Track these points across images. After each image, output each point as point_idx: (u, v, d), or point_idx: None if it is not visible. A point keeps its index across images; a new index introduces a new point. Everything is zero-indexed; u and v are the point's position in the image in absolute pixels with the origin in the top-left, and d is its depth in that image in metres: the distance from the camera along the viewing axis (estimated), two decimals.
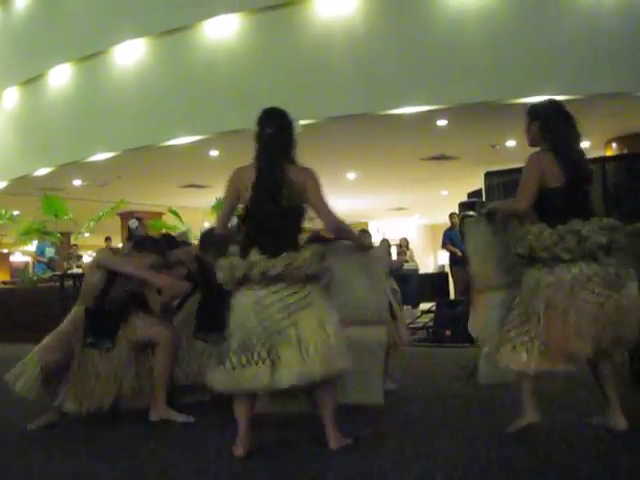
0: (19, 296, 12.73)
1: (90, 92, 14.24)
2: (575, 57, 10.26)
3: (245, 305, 3.67)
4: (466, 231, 4.29)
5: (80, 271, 12.26)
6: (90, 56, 14.14)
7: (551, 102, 4.19)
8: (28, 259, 22.99)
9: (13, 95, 16.30)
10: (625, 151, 12.97)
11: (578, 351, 3.70)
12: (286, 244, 3.72)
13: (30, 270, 18.24)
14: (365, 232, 8.76)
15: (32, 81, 15.53)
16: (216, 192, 15.31)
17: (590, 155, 13.24)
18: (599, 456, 3.42)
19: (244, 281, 3.68)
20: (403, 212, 23.41)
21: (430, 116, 11.04)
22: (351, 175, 16.30)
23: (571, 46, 10.34)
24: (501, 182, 12.54)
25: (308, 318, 3.63)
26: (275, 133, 3.86)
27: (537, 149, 4.05)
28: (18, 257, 26.54)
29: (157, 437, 4.19)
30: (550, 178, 3.90)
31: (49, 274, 13.45)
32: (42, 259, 15.24)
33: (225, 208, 3.97)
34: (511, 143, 12.99)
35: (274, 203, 3.73)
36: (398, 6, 11.25)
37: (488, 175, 11.01)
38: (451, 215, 13.66)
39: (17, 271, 22.55)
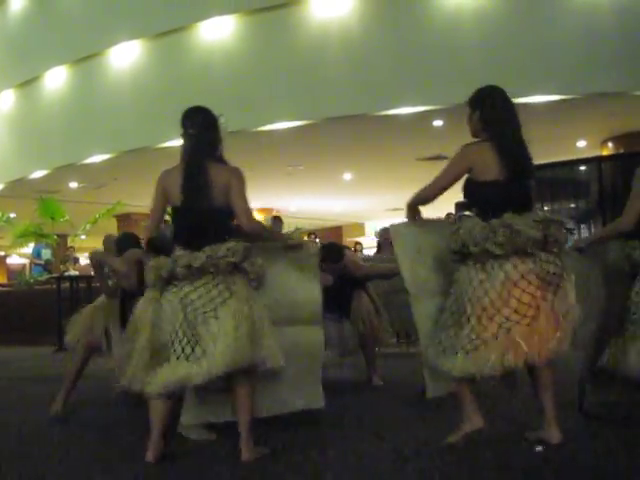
0: (16, 298, 12.73)
1: (86, 94, 14.24)
2: (571, 57, 10.27)
3: (173, 304, 3.64)
4: (394, 237, 4.06)
5: (77, 273, 12.25)
6: (86, 58, 14.14)
7: (493, 89, 3.97)
8: (25, 261, 22.98)
9: (9, 98, 16.29)
10: (621, 150, 12.99)
11: (509, 356, 3.47)
12: (211, 241, 3.68)
13: (27, 272, 18.23)
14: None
15: (28, 83, 15.53)
16: None
17: (586, 154, 13.22)
18: (597, 456, 3.42)
19: (171, 279, 3.67)
20: (399, 212, 23.40)
21: (426, 116, 11.05)
22: (347, 176, 16.31)
23: (567, 46, 10.35)
24: None
25: (229, 310, 3.58)
26: (198, 133, 3.84)
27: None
28: (15, 260, 26.53)
29: None
30: (487, 170, 3.69)
31: (46, 276, 13.45)
32: (38, 261, 15.23)
33: (154, 210, 3.93)
34: None
35: (200, 203, 3.72)
36: (393, 7, 11.26)
37: None
38: (447, 215, 13.66)
39: (14, 274, 22.55)
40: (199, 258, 3.61)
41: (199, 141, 3.83)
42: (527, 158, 3.79)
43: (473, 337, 3.53)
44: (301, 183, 16.57)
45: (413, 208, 3.95)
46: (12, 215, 16.67)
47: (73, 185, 16.27)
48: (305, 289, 4.16)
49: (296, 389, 4.08)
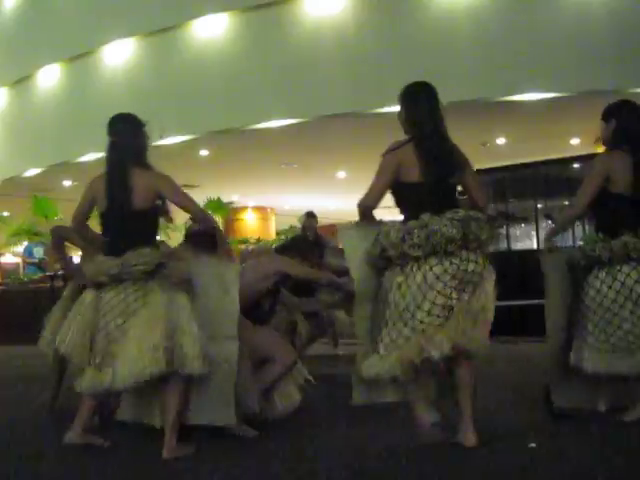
0: (9, 297, 12.70)
1: (79, 92, 14.20)
2: (565, 54, 10.27)
3: (89, 309, 3.78)
4: (342, 240, 4.01)
5: None
6: (79, 56, 14.10)
7: (419, 86, 3.90)
8: (19, 260, 22.94)
9: (2, 96, 16.24)
10: None
11: (420, 356, 3.45)
12: (133, 245, 3.75)
13: (21, 272, 18.20)
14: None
15: (21, 82, 15.48)
16: (206, 192, 15.31)
17: (580, 152, 13.24)
18: (595, 456, 3.43)
19: (98, 283, 3.79)
20: (394, 211, 23.42)
21: None
22: (341, 174, 16.30)
23: (561, 43, 10.35)
24: (491, 180, 12.55)
25: (139, 321, 3.67)
26: (120, 140, 3.92)
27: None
28: (9, 259, 26.42)
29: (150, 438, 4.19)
30: (409, 172, 3.69)
31: (39, 275, 13.42)
32: (31, 260, 15.20)
33: (77, 213, 4.06)
34: (501, 141, 13.01)
35: (121, 208, 3.81)
36: (387, 4, 11.23)
37: (478, 173, 11.04)
38: None
39: (8, 273, 22.50)
40: (113, 267, 3.71)
41: (120, 148, 3.91)
42: (450, 157, 3.74)
43: (387, 341, 3.53)
44: (295, 181, 16.55)
45: (365, 219, 3.92)
46: (5, 214, 16.63)
47: (67, 183, 16.22)
48: (224, 302, 4.04)
49: (205, 404, 3.95)
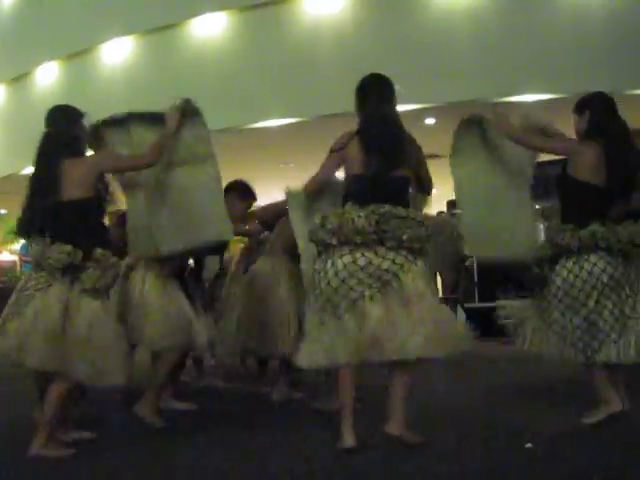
0: (7, 295, 12.68)
1: (77, 90, 14.17)
2: (563, 56, 10.28)
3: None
4: (290, 202, 4.09)
5: None
6: (77, 54, 14.12)
7: (371, 79, 3.95)
8: (15, 258, 22.93)
9: (0, 93, 16.22)
10: None
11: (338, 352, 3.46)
12: (62, 236, 3.76)
13: (18, 269, 18.16)
14: None
15: (19, 79, 15.49)
16: None
17: None
18: (592, 456, 3.44)
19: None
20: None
21: (418, 115, 11.03)
22: (340, 174, 16.31)
23: (559, 45, 10.37)
24: None
25: (30, 309, 3.74)
26: (54, 131, 3.94)
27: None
28: (6, 257, 26.38)
29: (148, 436, 4.20)
30: (353, 164, 3.73)
31: None
32: (27, 258, 15.17)
33: None
34: None
35: (48, 198, 3.79)
36: (386, 4, 11.26)
37: None
38: (439, 213, 13.68)
39: (4, 271, 22.48)
40: (33, 255, 3.82)
41: (53, 139, 3.92)
42: (397, 149, 3.70)
43: (312, 328, 3.56)
44: (293, 181, 16.43)
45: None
46: (3, 211, 16.61)
47: None
48: (194, 130, 4.38)
49: (206, 222, 4.17)
